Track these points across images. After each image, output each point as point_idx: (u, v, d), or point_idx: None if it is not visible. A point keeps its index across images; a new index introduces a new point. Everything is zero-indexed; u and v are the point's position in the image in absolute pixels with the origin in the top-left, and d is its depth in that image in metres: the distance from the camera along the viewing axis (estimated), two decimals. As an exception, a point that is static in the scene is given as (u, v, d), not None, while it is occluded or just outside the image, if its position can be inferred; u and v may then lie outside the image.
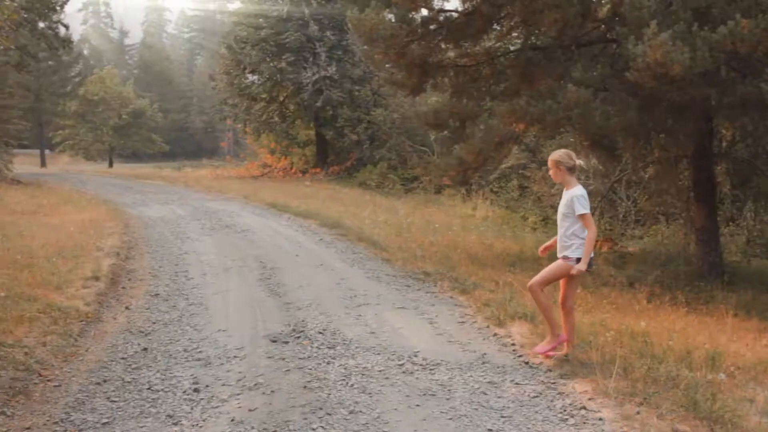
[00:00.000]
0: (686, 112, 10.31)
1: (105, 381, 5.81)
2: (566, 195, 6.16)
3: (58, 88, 56.50)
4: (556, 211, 6.62)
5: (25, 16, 29.77)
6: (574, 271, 6.11)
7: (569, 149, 6.87)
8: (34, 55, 39.07)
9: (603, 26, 10.87)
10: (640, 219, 16.76)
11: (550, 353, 6.28)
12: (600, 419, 4.96)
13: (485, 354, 6.58)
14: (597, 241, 13.38)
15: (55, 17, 31.23)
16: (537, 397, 5.44)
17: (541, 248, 6.77)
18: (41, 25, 31.18)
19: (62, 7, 31.05)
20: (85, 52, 77.00)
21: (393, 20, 10.98)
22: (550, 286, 6.68)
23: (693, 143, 11.32)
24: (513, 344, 6.84)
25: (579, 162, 6.32)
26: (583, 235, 6.05)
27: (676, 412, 4.95)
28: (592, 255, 6.12)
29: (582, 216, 6.02)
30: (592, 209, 16.37)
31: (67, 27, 33.23)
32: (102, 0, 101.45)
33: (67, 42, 33.00)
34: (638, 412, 4.98)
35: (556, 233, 6.44)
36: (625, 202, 16.74)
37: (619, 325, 7.19)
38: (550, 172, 6.34)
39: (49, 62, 55.17)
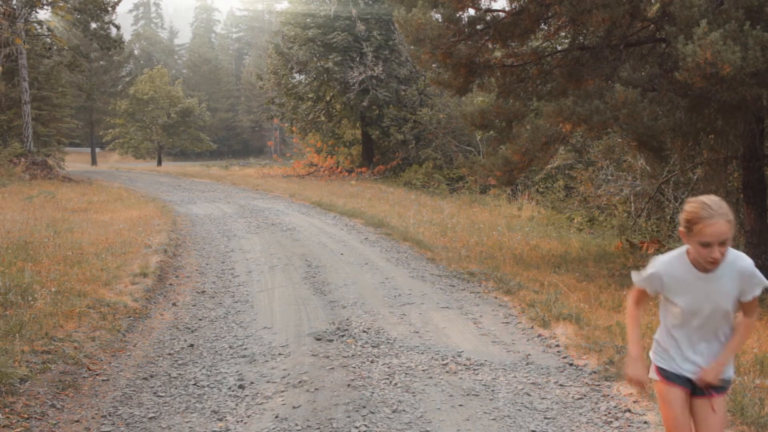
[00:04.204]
0: (737, 113, 10.13)
1: (152, 376, 5.91)
2: (729, 268, 3.45)
3: (109, 87, 57.70)
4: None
5: (78, 17, 30.37)
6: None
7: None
8: (86, 55, 39.95)
9: (652, 25, 10.73)
10: (688, 221, 16.50)
11: None
12: (645, 423, 4.92)
13: (529, 355, 6.56)
14: (644, 243, 13.24)
15: (106, 18, 31.82)
16: (581, 399, 5.41)
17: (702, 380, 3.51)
18: (93, 25, 31.79)
19: (114, 8, 31.60)
20: (136, 52, 78.17)
21: (440, 20, 10.97)
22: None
23: (743, 144, 11.12)
24: (557, 345, 6.80)
25: None
26: None
27: (723, 416, 4.89)
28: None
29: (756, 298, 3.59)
30: (639, 210, 16.31)
31: (118, 27, 33.82)
32: (152, 1, 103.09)
33: (118, 42, 33.59)
34: (684, 416, 4.92)
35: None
36: (673, 203, 16.51)
37: (666, 327, 7.11)
38: (722, 250, 3.33)
39: (101, 62, 56.42)
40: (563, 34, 11.78)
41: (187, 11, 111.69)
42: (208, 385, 5.70)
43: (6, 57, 24.70)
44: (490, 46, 11.54)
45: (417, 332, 7.26)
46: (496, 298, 8.92)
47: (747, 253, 10.92)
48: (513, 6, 10.96)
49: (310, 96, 34.36)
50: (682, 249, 3.50)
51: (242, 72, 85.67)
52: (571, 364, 6.24)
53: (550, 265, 11.38)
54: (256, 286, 9.47)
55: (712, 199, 3.31)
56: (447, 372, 6.00)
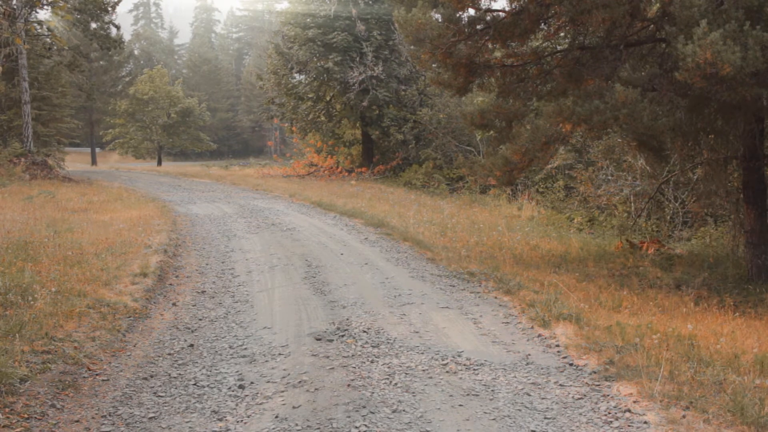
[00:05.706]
0: (736, 113, 10.13)
1: (152, 376, 5.91)
2: None
3: (109, 87, 57.59)
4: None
5: (78, 17, 30.36)
6: None
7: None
8: (86, 55, 39.93)
9: (652, 25, 10.74)
10: (687, 221, 16.52)
11: None
12: (645, 422, 4.92)
13: (529, 355, 6.56)
14: (644, 243, 13.24)
15: (106, 18, 31.76)
16: (581, 399, 5.41)
17: None
18: (93, 25, 31.75)
19: (114, 8, 31.55)
20: (136, 52, 77.98)
21: (440, 20, 10.96)
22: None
23: (743, 144, 11.13)
24: (557, 345, 6.80)
25: None
26: None
27: (723, 416, 4.89)
28: None
29: None
30: (639, 210, 16.31)
31: (118, 27, 33.76)
32: (152, 1, 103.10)
33: (118, 42, 33.52)
34: (684, 416, 4.93)
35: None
36: (673, 203, 16.51)
37: (666, 327, 7.12)
38: None
39: (101, 62, 56.35)
40: (563, 34, 11.77)
41: (187, 11, 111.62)
42: (208, 385, 5.70)
43: (6, 57, 24.69)
44: (490, 46, 11.54)
45: (417, 332, 7.26)
46: (496, 298, 8.92)
47: (747, 253, 10.88)
48: (513, 6, 10.96)
49: (310, 96, 34.31)
50: None
51: (242, 72, 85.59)
52: (571, 364, 6.24)
53: (550, 265, 11.39)
54: (256, 286, 9.47)
55: None
56: (447, 372, 6.00)
